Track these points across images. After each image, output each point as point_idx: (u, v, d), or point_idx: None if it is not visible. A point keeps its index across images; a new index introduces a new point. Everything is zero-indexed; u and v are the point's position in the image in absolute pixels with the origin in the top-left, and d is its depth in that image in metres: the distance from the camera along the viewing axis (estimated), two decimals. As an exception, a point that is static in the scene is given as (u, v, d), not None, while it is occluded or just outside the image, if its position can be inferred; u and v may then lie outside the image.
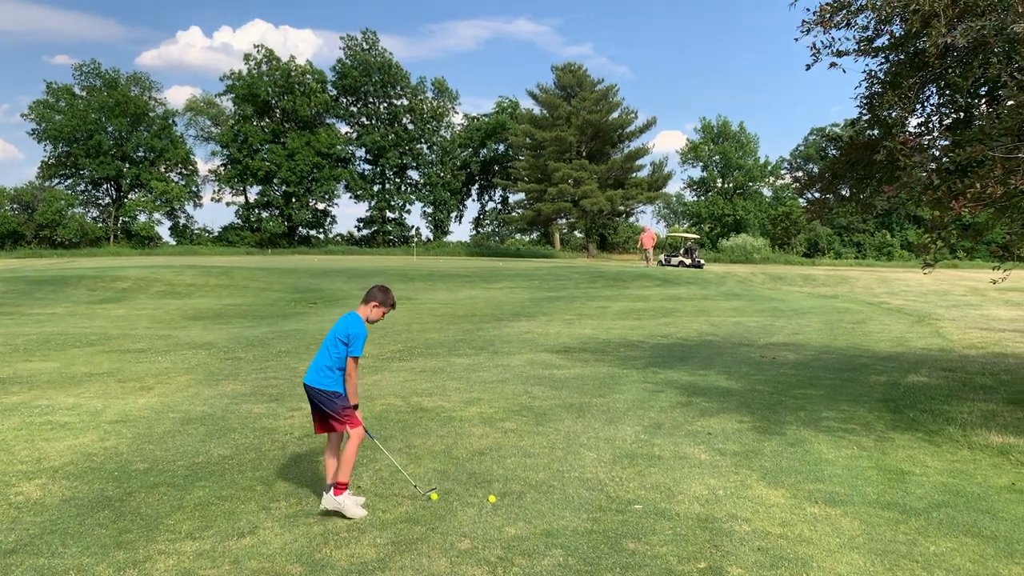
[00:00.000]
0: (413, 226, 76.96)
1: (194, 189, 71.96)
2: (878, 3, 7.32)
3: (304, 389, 5.58)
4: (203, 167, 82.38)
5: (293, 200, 70.90)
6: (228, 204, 72.90)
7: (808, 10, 7.81)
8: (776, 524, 5.24)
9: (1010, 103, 6.95)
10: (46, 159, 66.95)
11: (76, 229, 62.96)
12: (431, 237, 76.55)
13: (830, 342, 14.88)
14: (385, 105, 75.52)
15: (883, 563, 4.63)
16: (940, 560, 4.69)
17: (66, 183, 67.77)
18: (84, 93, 66.46)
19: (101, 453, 6.88)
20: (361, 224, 76.90)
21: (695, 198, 76.70)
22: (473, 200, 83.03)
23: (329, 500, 5.27)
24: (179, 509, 5.46)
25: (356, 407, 5.60)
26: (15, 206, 64.43)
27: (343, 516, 5.26)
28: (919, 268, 9.50)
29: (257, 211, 72.28)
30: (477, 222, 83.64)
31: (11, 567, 4.50)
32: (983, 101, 8.36)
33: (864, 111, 8.80)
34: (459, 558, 4.64)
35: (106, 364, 11.83)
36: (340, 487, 5.30)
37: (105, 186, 69.27)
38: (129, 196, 68.93)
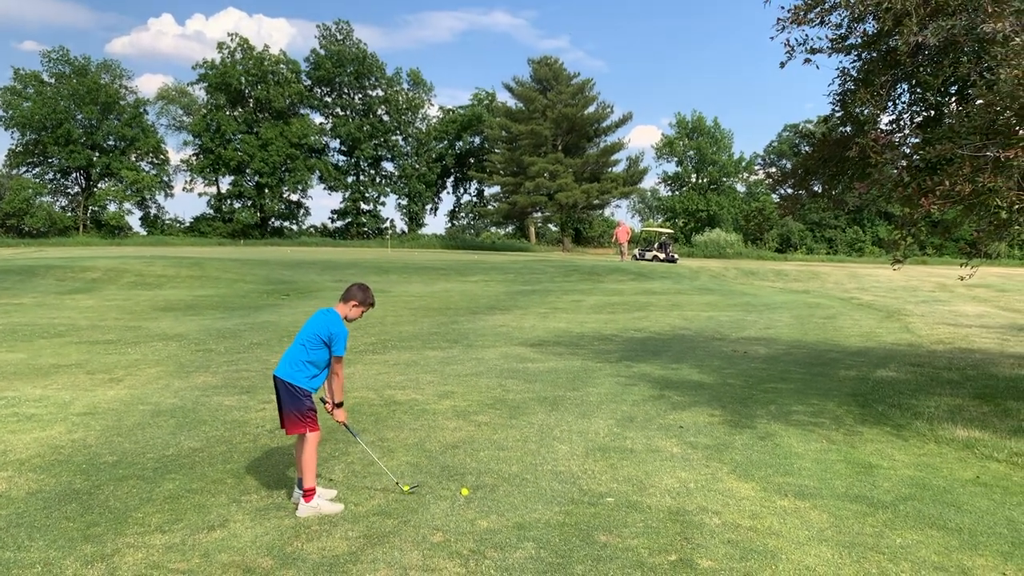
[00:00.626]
0: (388, 218, 76.70)
1: (165, 179, 71.04)
2: (851, 1, 7.39)
3: (274, 382, 5.51)
4: (175, 157, 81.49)
5: (266, 191, 70.26)
6: (200, 194, 72.38)
7: (783, 8, 7.88)
8: (746, 517, 5.29)
9: (979, 102, 7.04)
10: (13, 147, 65.83)
11: (44, 218, 61.95)
12: (406, 229, 76.32)
13: (801, 337, 15.03)
14: (360, 96, 75.02)
15: (851, 555, 4.69)
16: (906, 552, 4.76)
17: (34, 171, 66.63)
18: (53, 80, 65.30)
19: (69, 445, 6.79)
20: (335, 216, 76.48)
21: (670, 193, 77.09)
22: (448, 193, 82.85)
23: (303, 509, 5.20)
24: (148, 502, 5.41)
25: (341, 404, 5.57)
26: (-19, 195, 63.28)
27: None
28: (889, 264, 9.61)
29: (229, 202, 71.53)
30: (452, 215, 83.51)
31: (-25, 561, 4.44)
32: (953, 100, 8.47)
33: (837, 108, 8.88)
34: (431, 551, 4.64)
35: (74, 355, 11.66)
36: (308, 494, 5.25)
37: (74, 175, 68.20)
38: (99, 185, 67.90)
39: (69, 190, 68.96)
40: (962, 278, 10.00)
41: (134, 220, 69.52)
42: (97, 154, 66.58)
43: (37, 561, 4.45)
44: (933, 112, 8.54)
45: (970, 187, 6.58)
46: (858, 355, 12.73)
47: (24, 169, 66.10)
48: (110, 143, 67.40)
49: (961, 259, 9.19)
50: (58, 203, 67.10)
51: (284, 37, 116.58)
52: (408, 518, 5.15)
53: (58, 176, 67.78)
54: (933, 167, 7.60)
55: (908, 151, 8.26)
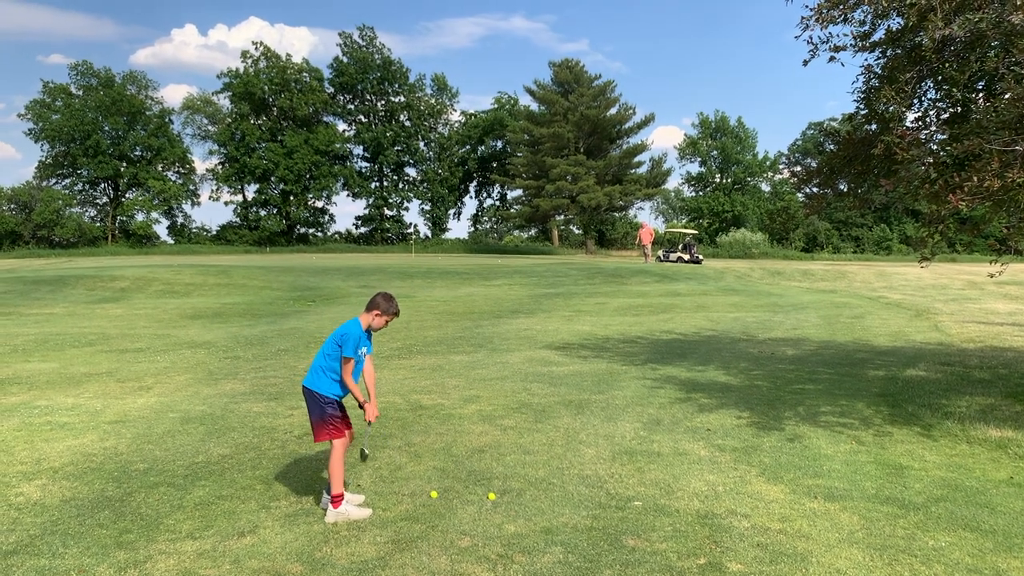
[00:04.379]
0: (411, 223, 77.02)
1: (191, 188, 71.99)
2: (875, -3, 7.32)
3: (302, 391, 5.58)
4: (200, 166, 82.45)
5: (291, 198, 70.84)
6: (226, 203, 72.98)
7: (806, 6, 7.82)
8: (775, 520, 5.25)
9: (1007, 96, 6.94)
10: (43, 159, 67.00)
11: (74, 229, 62.92)
12: (429, 234, 76.58)
13: (829, 337, 14.89)
14: (383, 102, 75.47)
15: (882, 558, 4.64)
16: (939, 554, 4.70)
17: (63, 183, 67.78)
18: (81, 92, 66.34)
19: (101, 453, 6.88)
20: (359, 222, 76.96)
21: (693, 193, 76.73)
22: (471, 197, 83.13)
23: (331, 515, 5.23)
24: (179, 509, 5.46)
25: (363, 405, 5.49)
26: (12, 206, 64.42)
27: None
28: (917, 262, 9.49)
29: (255, 209, 72.23)
30: (475, 219, 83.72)
31: (12, 568, 4.51)
32: (980, 95, 8.34)
33: (861, 106, 8.78)
34: (459, 556, 4.65)
35: (105, 364, 11.82)
36: (336, 500, 5.28)
37: (102, 185, 69.26)
38: (127, 195, 68.90)
39: (98, 200, 70.13)
40: (992, 275, 9.87)
41: (161, 229, 70.55)
42: (124, 164, 67.54)
43: (72, 568, 4.51)
44: (960, 108, 8.42)
45: (999, 183, 6.49)
46: (887, 355, 12.59)
47: (54, 180, 67.23)
48: (137, 153, 68.36)
49: (991, 256, 9.06)
50: (87, 214, 68.30)
51: (306, 46, 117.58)
52: (436, 523, 5.16)
53: (87, 187, 68.89)
54: (961, 163, 7.50)
55: (935, 148, 8.16)
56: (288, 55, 71.76)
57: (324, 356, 5.47)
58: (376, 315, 5.55)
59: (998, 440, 7.21)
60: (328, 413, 5.41)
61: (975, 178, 6.62)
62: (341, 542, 4.86)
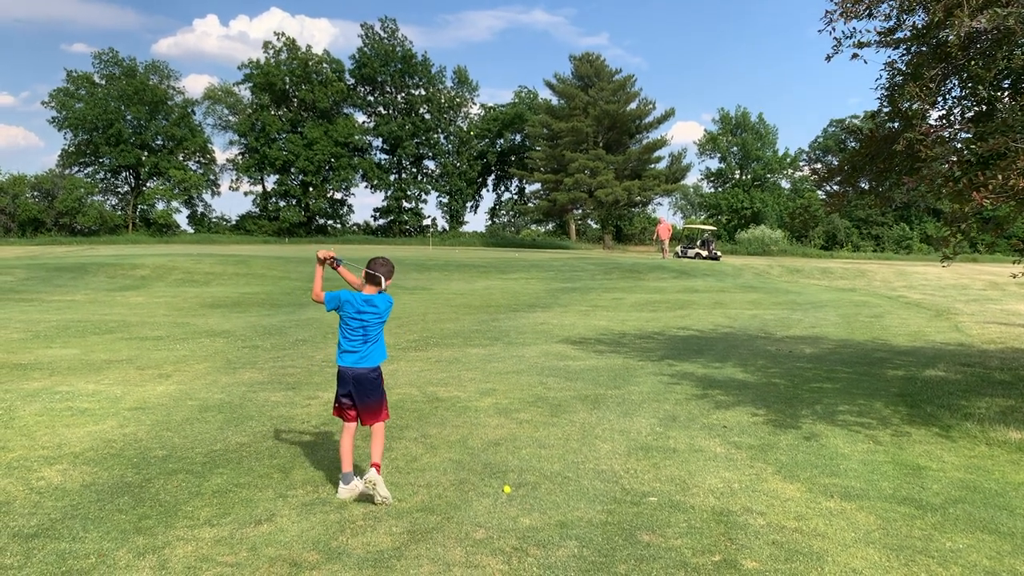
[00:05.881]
0: (429, 216, 77.12)
1: (212, 178, 72.42)
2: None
3: (353, 379, 5.71)
4: (221, 156, 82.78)
5: (311, 189, 71.11)
6: (246, 193, 73.59)
7: (831, 0, 7.76)
8: (791, 518, 5.23)
9: (1034, 95, 6.87)
10: (66, 147, 67.57)
11: (95, 217, 63.46)
12: (447, 227, 76.63)
13: (847, 336, 14.79)
14: (403, 95, 75.51)
15: (899, 558, 4.62)
16: (956, 556, 4.67)
17: (86, 171, 68.34)
18: (104, 81, 66.84)
19: (120, 439, 6.95)
20: (378, 214, 77.09)
21: (713, 189, 76.31)
22: (489, 190, 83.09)
23: (372, 474, 5.35)
24: (197, 496, 5.51)
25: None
26: (36, 193, 65.05)
27: (370, 500, 5.33)
28: (938, 261, 9.41)
29: (275, 200, 72.55)
30: (493, 212, 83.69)
31: (33, 550, 4.57)
32: (1006, 93, 8.25)
33: (885, 103, 8.70)
34: (474, 548, 4.66)
35: (125, 351, 11.93)
36: (379, 467, 5.48)
37: (124, 174, 69.77)
38: (148, 184, 69.40)
39: (119, 189, 70.70)
40: (1015, 276, 9.76)
41: (181, 218, 71.07)
42: (146, 153, 68.01)
43: (92, 552, 4.56)
44: (985, 106, 8.33)
45: (1024, 182, 6.42)
46: (906, 354, 12.50)
47: (76, 168, 67.81)
48: (158, 143, 68.82)
49: (1014, 256, 8.97)
50: (108, 202, 68.81)
51: (326, 37, 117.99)
52: (451, 515, 5.18)
53: (108, 175, 69.43)
54: (985, 162, 7.42)
55: (959, 146, 8.08)
56: (309, 46, 72.00)
57: (370, 336, 5.81)
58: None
59: (1018, 442, 7.15)
60: (384, 388, 5.77)
61: (1000, 176, 6.56)
62: (357, 531, 4.89)
